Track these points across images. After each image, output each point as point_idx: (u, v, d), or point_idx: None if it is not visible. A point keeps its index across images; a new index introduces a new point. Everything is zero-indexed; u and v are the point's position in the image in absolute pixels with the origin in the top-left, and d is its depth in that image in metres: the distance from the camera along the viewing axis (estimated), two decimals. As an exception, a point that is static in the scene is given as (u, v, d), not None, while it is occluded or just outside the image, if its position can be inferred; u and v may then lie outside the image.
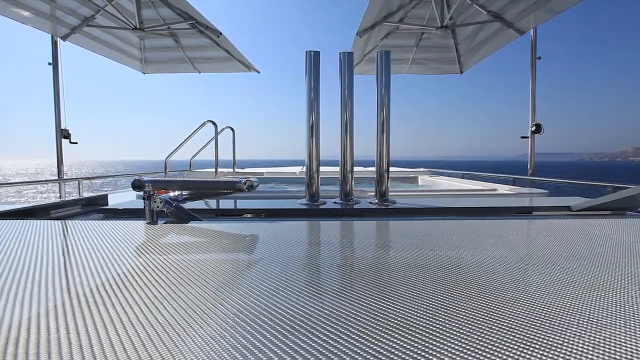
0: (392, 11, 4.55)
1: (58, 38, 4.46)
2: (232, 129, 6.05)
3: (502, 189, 2.78)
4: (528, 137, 4.49)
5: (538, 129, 4.42)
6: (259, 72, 5.98)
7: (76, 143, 4.69)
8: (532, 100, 4.45)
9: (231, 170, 5.78)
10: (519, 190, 2.68)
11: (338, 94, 1.97)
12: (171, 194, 1.23)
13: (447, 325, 0.45)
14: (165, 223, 1.17)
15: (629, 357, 0.38)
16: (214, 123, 5.42)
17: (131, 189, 1.30)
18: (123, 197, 2.17)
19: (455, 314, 0.49)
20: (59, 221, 1.20)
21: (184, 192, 1.26)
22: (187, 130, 5.17)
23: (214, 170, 5.42)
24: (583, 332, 0.43)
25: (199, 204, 1.99)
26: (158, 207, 1.13)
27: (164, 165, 5.17)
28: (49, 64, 4.46)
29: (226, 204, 2.11)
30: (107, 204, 1.85)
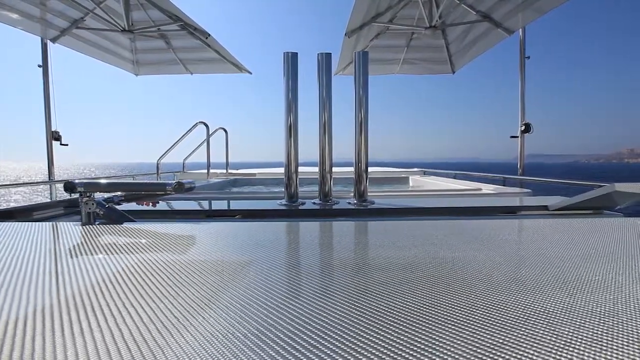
0: (381, 11, 4.56)
1: (48, 40, 4.46)
2: (225, 130, 6.05)
3: (487, 188, 2.78)
4: (517, 137, 4.50)
5: (527, 128, 4.43)
6: (250, 73, 5.99)
7: (67, 145, 4.69)
8: (521, 100, 4.46)
9: (224, 171, 5.79)
10: (503, 190, 2.68)
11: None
12: (106, 195, 1.23)
13: (427, 323, 0.45)
14: (99, 224, 1.17)
15: (615, 354, 0.38)
16: (205, 124, 5.42)
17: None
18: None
19: (431, 312, 0.49)
20: (27, 223, 1.20)
21: (119, 194, 1.26)
22: (182, 131, 5.18)
23: (206, 171, 5.42)
24: (566, 329, 0.43)
25: (185, 205, 2.00)
26: (90, 209, 1.13)
27: (156, 167, 5.18)
28: (39, 66, 4.47)
29: (205, 205, 2.11)
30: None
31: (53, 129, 4.59)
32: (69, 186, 1.13)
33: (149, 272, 0.67)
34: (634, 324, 0.45)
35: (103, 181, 1.20)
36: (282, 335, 0.43)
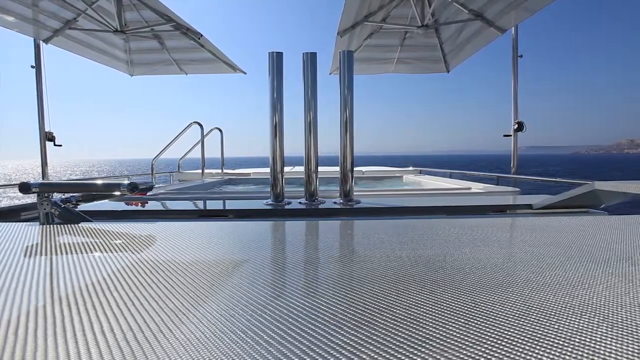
0: (373, 11, 4.56)
1: (40, 41, 4.46)
2: (220, 130, 6.05)
3: (477, 187, 2.79)
4: (511, 136, 4.51)
5: (520, 127, 4.44)
6: (245, 73, 5.98)
7: (60, 145, 4.69)
8: (514, 99, 4.47)
9: (220, 170, 5.79)
10: (492, 189, 2.69)
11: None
12: (63, 195, 1.23)
13: (411, 320, 0.46)
14: (56, 224, 1.18)
15: (605, 352, 0.38)
16: (200, 124, 5.43)
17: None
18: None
19: (414, 309, 0.49)
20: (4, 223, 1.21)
21: (76, 194, 1.27)
22: (179, 128, 5.18)
23: (202, 171, 5.43)
24: (552, 327, 0.43)
25: (173, 205, 2.01)
26: (45, 209, 1.14)
27: (151, 167, 5.18)
28: (32, 67, 4.47)
29: (190, 205, 2.12)
30: (77, 207, 1.87)
31: (47, 130, 4.59)
32: (24, 187, 1.13)
33: (99, 272, 0.67)
34: (617, 321, 0.45)
35: (58, 181, 1.20)
36: (269, 333, 0.43)
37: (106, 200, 2.19)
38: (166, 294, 0.56)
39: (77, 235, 1.00)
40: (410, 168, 5.74)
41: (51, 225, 1.12)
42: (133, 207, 1.92)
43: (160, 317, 0.47)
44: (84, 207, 1.86)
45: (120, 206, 1.92)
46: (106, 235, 0.99)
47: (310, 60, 1.97)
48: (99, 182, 1.23)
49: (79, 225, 1.15)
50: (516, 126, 4.45)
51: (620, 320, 0.45)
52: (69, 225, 1.14)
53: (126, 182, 1.18)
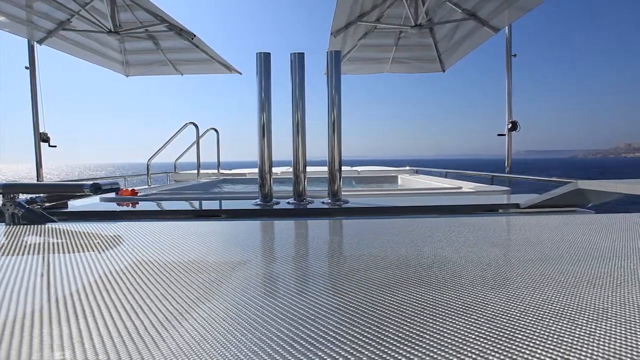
0: (366, 11, 4.57)
1: (34, 42, 4.46)
2: (216, 130, 6.05)
3: (467, 187, 2.79)
4: (505, 135, 4.51)
5: (514, 126, 4.45)
6: (240, 74, 5.98)
7: (55, 146, 4.68)
8: (508, 99, 4.48)
9: (215, 171, 5.79)
10: (483, 189, 2.69)
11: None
12: (28, 196, 1.24)
13: (398, 318, 0.46)
14: (21, 225, 1.18)
15: (595, 350, 0.38)
16: (195, 125, 5.43)
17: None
18: (88, 200, 2.20)
19: (400, 307, 0.50)
20: None
21: (42, 195, 1.27)
22: (176, 131, 5.19)
23: (197, 171, 5.43)
24: (546, 326, 0.43)
25: (162, 205, 2.01)
26: (9, 210, 1.14)
27: (147, 168, 5.18)
28: (26, 67, 4.47)
29: (180, 205, 2.12)
30: (67, 207, 1.87)
31: (41, 131, 4.59)
32: None
33: (55, 273, 0.67)
34: (605, 317, 0.45)
35: (21, 182, 1.21)
36: (262, 330, 0.43)
37: (97, 201, 2.19)
38: (141, 294, 0.55)
39: (39, 235, 1.00)
40: (407, 168, 5.74)
41: (16, 226, 1.13)
42: (123, 208, 1.92)
43: (131, 317, 0.47)
44: (73, 207, 1.86)
45: (112, 206, 1.92)
46: (68, 236, 0.99)
47: (298, 61, 1.98)
48: (63, 182, 1.23)
49: (45, 225, 1.15)
50: (510, 125, 4.46)
51: (607, 316, 0.45)
52: (33, 226, 1.15)
53: (89, 182, 1.18)
